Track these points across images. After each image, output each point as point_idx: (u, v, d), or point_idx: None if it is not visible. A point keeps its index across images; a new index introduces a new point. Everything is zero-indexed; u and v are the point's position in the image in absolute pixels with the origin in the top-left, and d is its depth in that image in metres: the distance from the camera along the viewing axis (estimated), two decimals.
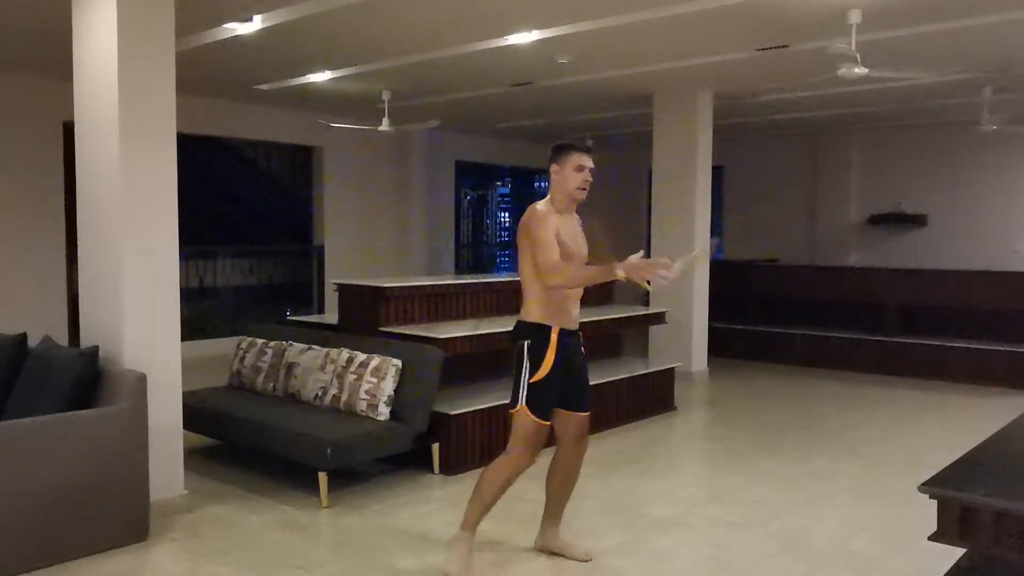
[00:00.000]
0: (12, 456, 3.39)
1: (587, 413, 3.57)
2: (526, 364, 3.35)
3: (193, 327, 8.63)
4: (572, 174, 3.37)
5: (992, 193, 10.42)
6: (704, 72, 7.43)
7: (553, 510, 3.67)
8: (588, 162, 3.39)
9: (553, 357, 3.34)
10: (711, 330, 8.78)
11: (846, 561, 3.73)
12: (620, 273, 3.17)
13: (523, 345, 3.36)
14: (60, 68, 5.04)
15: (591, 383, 5.70)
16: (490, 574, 3.53)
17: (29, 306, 7.82)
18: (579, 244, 3.46)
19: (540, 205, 3.40)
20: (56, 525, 3.48)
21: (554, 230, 3.31)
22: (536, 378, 3.34)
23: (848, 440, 5.93)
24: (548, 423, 3.41)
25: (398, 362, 4.66)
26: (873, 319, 8.95)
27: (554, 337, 3.35)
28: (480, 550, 3.70)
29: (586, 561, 3.60)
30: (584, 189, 3.40)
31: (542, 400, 3.36)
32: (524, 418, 3.35)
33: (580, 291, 3.47)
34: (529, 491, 4.42)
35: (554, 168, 3.41)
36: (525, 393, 3.35)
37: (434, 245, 11.89)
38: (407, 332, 5.15)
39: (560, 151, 3.41)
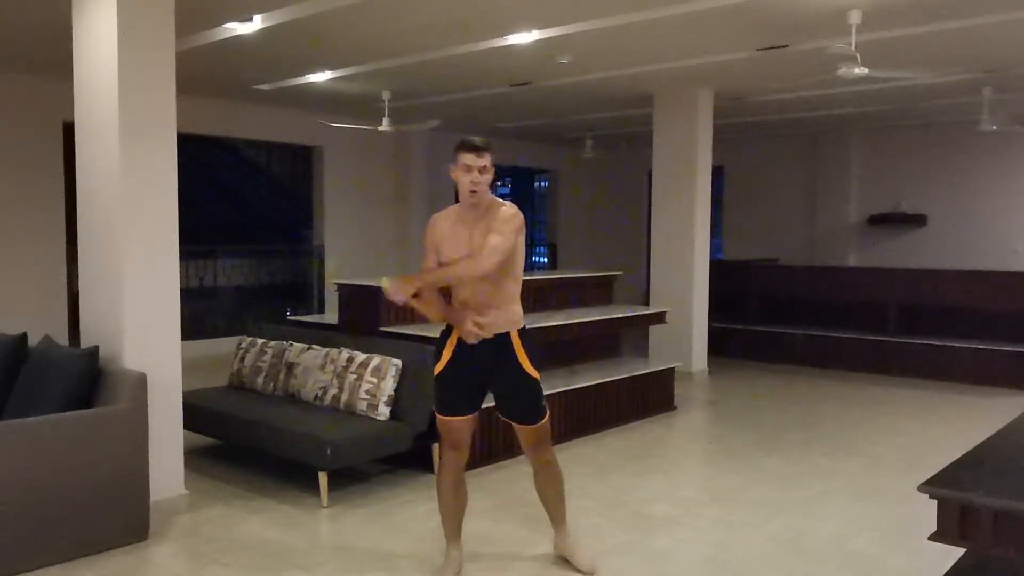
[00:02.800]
0: (12, 456, 3.39)
1: (530, 426, 3.43)
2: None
3: (193, 327, 8.63)
4: (461, 175, 3.20)
5: (992, 193, 10.42)
6: (704, 72, 7.44)
7: (549, 514, 3.65)
8: (474, 162, 3.17)
9: (449, 355, 3.35)
10: (711, 330, 8.78)
11: (846, 561, 3.73)
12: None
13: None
14: (60, 68, 5.04)
15: (592, 383, 5.83)
16: (488, 574, 3.53)
17: (29, 306, 7.82)
18: (459, 251, 3.26)
19: (444, 211, 3.44)
20: (56, 525, 3.48)
21: (432, 237, 3.36)
22: (435, 371, 3.40)
23: (848, 440, 5.93)
24: (451, 418, 3.38)
25: (398, 362, 4.66)
26: (873, 319, 8.94)
27: (452, 339, 3.36)
28: (480, 550, 3.71)
29: (589, 574, 3.51)
30: (474, 192, 3.19)
31: (439, 395, 3.41)
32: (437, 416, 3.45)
33: (490, 298, 3.27)
34: (529, 492, 4.41)
35: (451, 168, 3.27)
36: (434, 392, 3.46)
37: None
38: (407, 332, 5.15)
39: (454, 151, 3.25)
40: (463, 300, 3.33)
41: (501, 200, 3.34)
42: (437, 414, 3.43)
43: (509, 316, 3.33)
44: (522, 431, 3.48)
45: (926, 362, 8.36)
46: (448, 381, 3.38)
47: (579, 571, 3.53)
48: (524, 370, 3.35)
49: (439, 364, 3.39)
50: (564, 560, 3.61)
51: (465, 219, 3.31)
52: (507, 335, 3.32)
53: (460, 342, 3.33)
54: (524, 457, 5.05)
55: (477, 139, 3.24)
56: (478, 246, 3.20)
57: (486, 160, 3.21)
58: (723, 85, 8.11)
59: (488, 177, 3.23)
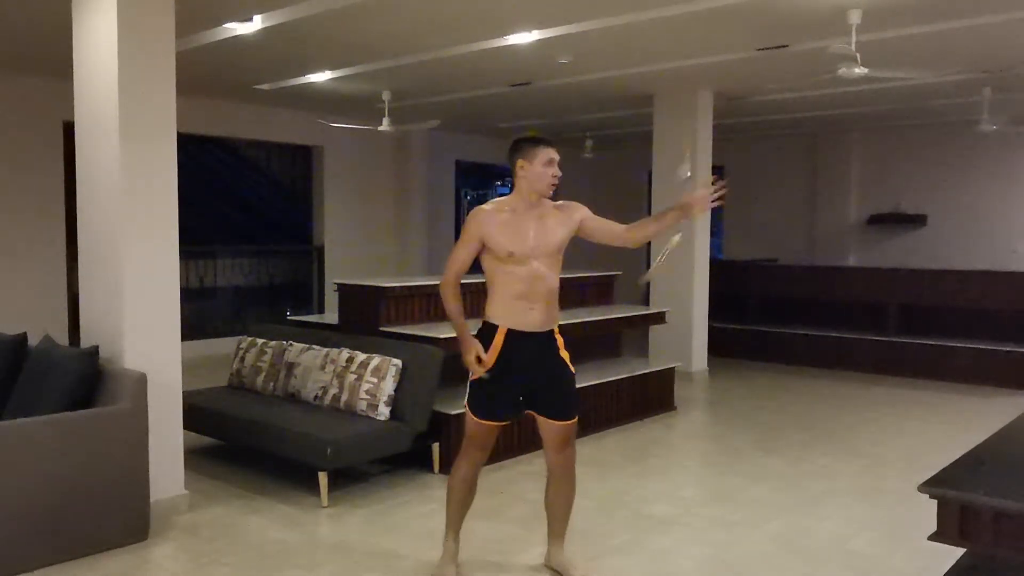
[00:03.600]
0: (12, 456, 3.39)
1: (564, 422, 3.36)
2: None
3: (193, 327, 8.63)
4: (542, 169, 3.24)
5: (992, 193, 10.42)
6: (704, 72, 7.44)
7: (552, 527, 3.54)
8: (556, 156, 3.27)
9: (495, 357, 3.25)
10: (711, 330, 8.78)
11: (846, 561, 3.73)
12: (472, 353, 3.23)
13: None
14: (60, 68, 5.04)
15: (592, 383, 5.83)
16: (487, 574, 3.53)
17: (29, 306, 7.82)
18: (525, 241, 3.24)
19: (489, 204, 3.36)
20: (56, 525, 3.48)
21: (479, 230, 3.25)
22: (475, 375, 3.32)
23: (848, 440, 5.93)
24: (490, 423, 3.33)
25: (398, 362, 4.66)
26: (873, 319, 8.95)
27: (499, 337, 3.26)
28: (479, 551, 3.71)
29: None
30: (555, 185, 3.27)
31: (480, 398, 3.32)
32: (466, 415, 3.37)
33: (545, 291, 3.28)
34: (529, 491, 4.43)
35: (521, 164, 3.26)
36: (468, 390, 3.35)
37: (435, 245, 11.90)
38: (407, 332, 5.15)
39: (526, 146, 3.27)
40: (519, 293, 3.25)
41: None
42: (472, 417, 3.32)
43: (556, 313, 3.38)
44: (556, 428, 3.37)
45: (926, 362, 8.36)
46: (490, 385, 3.29)
47: None
48: (567, 363, 3.37)
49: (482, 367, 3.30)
50: (555, 571, 3.52)
51: (524, 213, 3.28)
52: (551, 331, 3.35)
53: (506, 343, 3.25)
54: (524, 457, 5.08)
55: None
56: (546, 240, 3.26)
57: (559, 155, 3.31)
58: (723, 85, 8.11)
59: None
